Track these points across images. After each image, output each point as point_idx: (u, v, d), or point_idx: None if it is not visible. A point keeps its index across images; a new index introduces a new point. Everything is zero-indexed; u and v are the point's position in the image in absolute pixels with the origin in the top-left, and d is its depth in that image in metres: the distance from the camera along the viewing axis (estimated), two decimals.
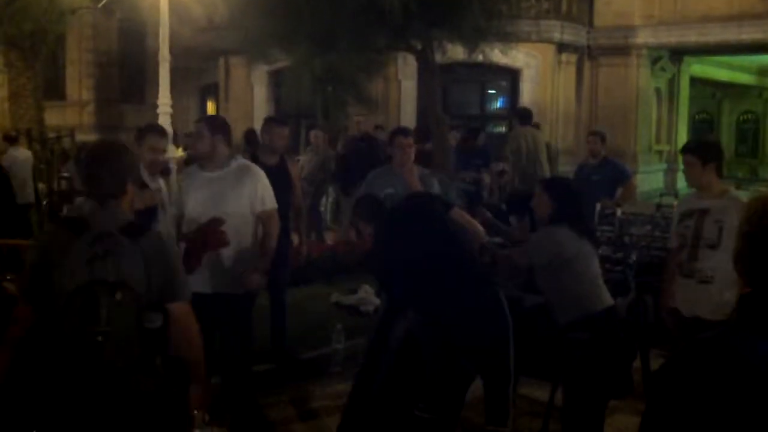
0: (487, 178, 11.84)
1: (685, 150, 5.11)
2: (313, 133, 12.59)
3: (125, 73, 24.55)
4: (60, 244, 3.18)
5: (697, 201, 4.93)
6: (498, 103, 19.48)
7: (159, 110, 15.46)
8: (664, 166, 21.04)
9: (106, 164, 3.36)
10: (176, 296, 3.27)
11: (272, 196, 5.26)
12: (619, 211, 7.71)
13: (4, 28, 17.38)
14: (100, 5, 17.91)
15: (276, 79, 19.59)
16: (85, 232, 3.17)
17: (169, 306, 3.25)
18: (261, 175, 5.25)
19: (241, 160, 5.34)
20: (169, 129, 14.35)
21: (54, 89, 24.50)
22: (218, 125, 5.24)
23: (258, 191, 5.18)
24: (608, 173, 8.70)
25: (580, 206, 4.72)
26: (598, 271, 4.59)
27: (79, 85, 24.75)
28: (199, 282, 4.80)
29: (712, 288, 4.67)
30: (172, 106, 15.39)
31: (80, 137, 15.40)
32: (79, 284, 3.08)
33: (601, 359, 4.34)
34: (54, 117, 21.39)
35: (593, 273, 4.54)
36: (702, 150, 4.93)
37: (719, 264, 4.59)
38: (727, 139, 27.26)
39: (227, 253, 5.02)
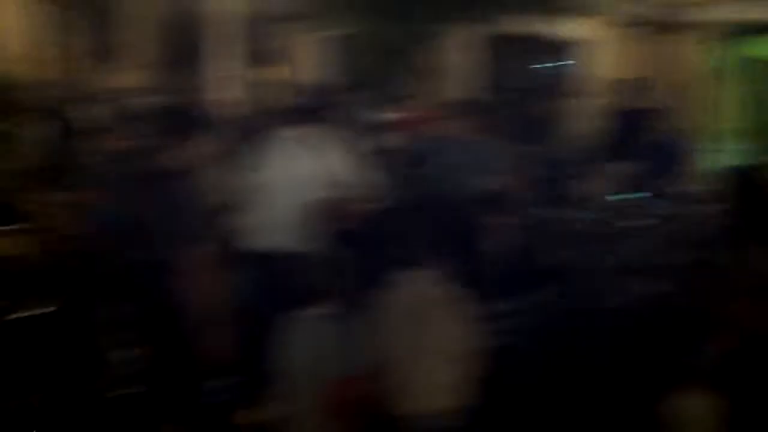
0: None
1: None
2: None
3: (183, 36, 24.59)
4: None
5: None
6: (552, 78, 19.25)
7: (218, 75, 15.56)
8: (719, 145, 20.73)
9: None
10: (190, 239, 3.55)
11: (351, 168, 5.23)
12: None
13: None
14: None
15: (329, 47, 19.53)
16: None
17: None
18: (344, 146, 5.26)
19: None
20: (229, 95, 14.48)
21: (109, 50, 24.64)
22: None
23: (339, 161, 5.17)
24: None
25: None
26: None
27: (134, 46, 24.85)
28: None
29: None
30: (229, 73, 15.45)
31: (133, 100, 15.57)
32: None
33: None
34: (106, 79, 21.57)
35: None
36: None
37: None
38: None
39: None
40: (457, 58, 18.63)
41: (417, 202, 4.39)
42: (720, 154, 21.16)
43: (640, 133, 9.84)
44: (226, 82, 13.67)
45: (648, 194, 7.40)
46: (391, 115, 12.09)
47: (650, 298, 4.60)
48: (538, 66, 19.28)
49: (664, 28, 18.97)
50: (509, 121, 12.28)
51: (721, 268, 4.55)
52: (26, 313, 6.39)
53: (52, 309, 6.25)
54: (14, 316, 6.33)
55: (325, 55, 21.50)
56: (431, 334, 3.20)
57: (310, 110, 5.16)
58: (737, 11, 18.28)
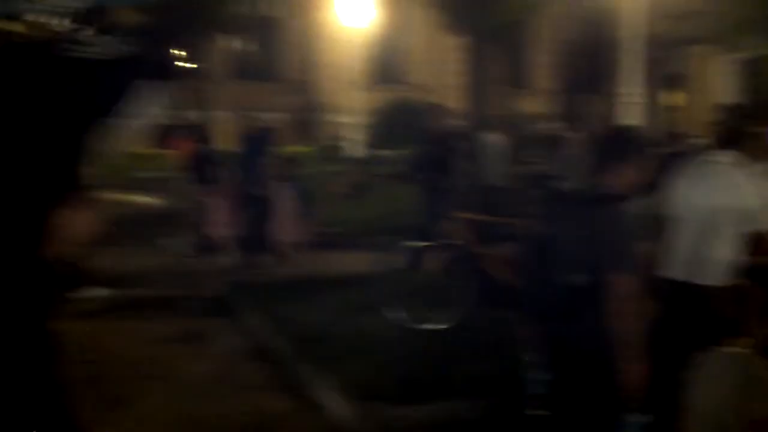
0: None
1: None
2: None
3: (588, 61, 24.64)
4: None
5: None
6: None
7: (623, 100, 15.25)
8: None
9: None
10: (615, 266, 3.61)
11: None
12: None
13: (472, 20, 18.49)
14: None
15: (745, 69, 18.43)
16: None
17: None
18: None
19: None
20: (635, 120, 14.13)
21: (515, 77, 25.38)
22: None
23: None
24: None
25: None
26: None
27: (540, 73, 25.34)
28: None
29: None
30: (637, 97, 15.02)
31: (542, 126, 15.87)
32: None
33: None
34: (515, 104, 22.19)
35: None
36: None
37: None
38: None
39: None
40: None
41: None
42: None
43: None
44: (636, 107, 13.36)
45: None
46: None
47: None
48: None
49: None
50: None
51: None
52: (433, 326, 6.72)
53: (455, 323, 6.51)
54: (420, 326, 6.69)
55: (734, 78, 20.30)
56: None
57: (733, 135, 4.86)
58: None
